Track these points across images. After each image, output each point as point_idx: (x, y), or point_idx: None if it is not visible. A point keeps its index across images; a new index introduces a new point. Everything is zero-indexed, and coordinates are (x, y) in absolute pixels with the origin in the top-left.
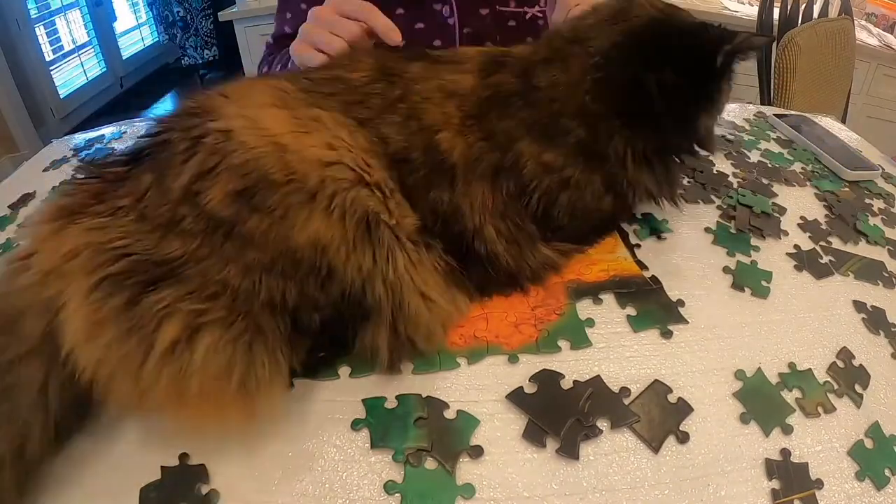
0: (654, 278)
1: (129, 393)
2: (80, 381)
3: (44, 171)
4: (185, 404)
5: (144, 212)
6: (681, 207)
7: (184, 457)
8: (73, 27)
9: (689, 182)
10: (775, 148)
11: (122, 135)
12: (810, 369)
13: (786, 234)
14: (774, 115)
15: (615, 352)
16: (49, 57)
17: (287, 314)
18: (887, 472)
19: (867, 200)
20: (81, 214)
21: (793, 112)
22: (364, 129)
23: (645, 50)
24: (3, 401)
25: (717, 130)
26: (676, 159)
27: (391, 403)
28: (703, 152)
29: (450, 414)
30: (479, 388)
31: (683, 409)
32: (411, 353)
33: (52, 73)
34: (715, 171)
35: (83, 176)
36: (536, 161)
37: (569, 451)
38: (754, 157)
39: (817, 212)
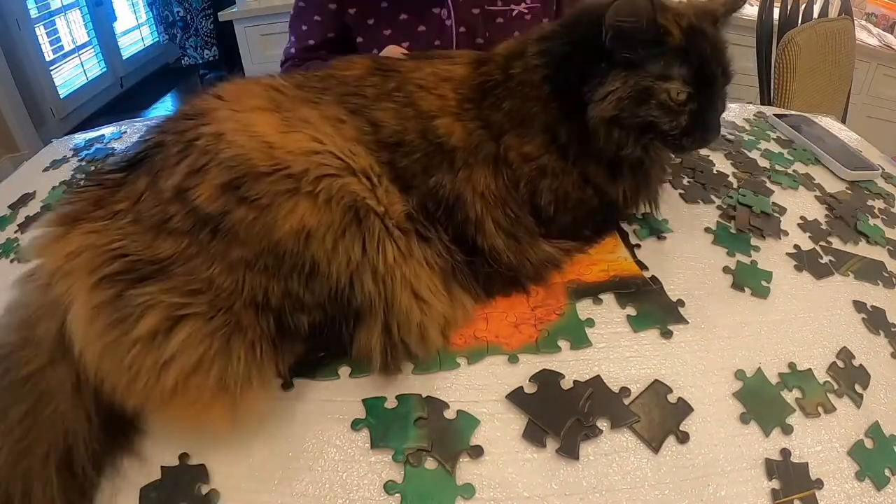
0: (654, 278)
1: (117, 385)
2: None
3: (44, 171)
4: (168, 399)
5: (139, 214)
6: (637, 213)
7: (184, 457)
8: (73, 27)
9: (689, 182)
10: (775, 148)
11: (122, 135)
12: (810, 369)
13: (786, 234)
14: (774, 115)
15: (615, 352)
16: (49, 57)
17: (270, 313)
18: (887, 472)
19: (867, 201)
20: (83, 220)
21: (793, 112)
22: (354, 118)
23: (566, 35)
24: (43, 407)
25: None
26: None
27: (391, 403)
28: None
29: (450, 414)
30: (479, 388)
31: (683, 409)
32: (406, 356)
33: (52, 73)
34: (715, 171)
35: (84, 184)
36: (518, 152)
37: (569, 451)
38: (754, 157)
39: (817, 212)
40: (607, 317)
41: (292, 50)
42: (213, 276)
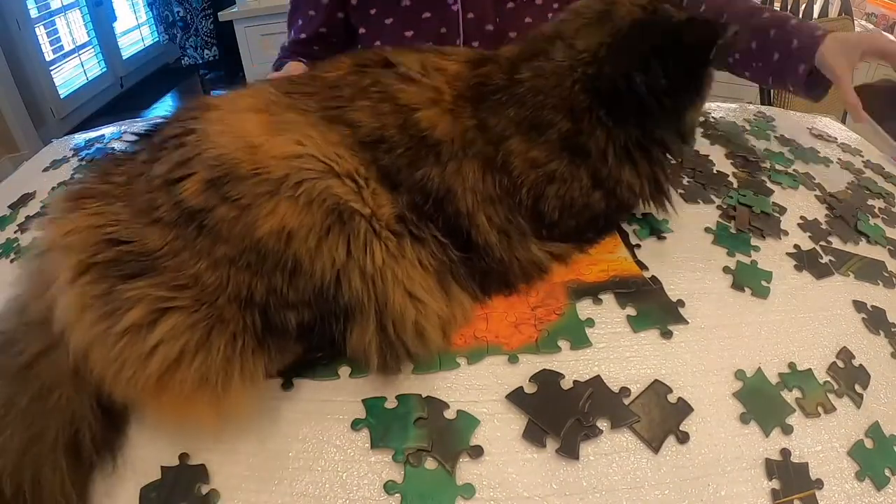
0: (654, 278)
1: (105, 375)
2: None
3: (44, 171)
4: (153, 391)
5: (133, 196)
6: (670, 209)
7: (184, 457)
8: (73, 27)
9: (689, 182)
10: (776, 147)
11: (122, 135)
12: (810, 369)
13: (786, 233)
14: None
15: (615, 352)
16: (49, 57)
17: (256, 310)
18: (887, 472)
19: (868, 200)
20: (90, 197)
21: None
22: (335, 124)
23: (634, 51)
24: (48, 394)
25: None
26: (662, 155)
27: (391, 403)
28: (685, 147)
29: (450, 414)
30: (479, 388)
31: (683, 409)
32: (404, 356)
33: (52, 73)
34: (715, 171)
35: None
36: (524, 158)
37: (569, 451)
38: (754, 157)
39: (817, 212)
40: (607, 317)
41: (286, 43)
42: (199, 272)
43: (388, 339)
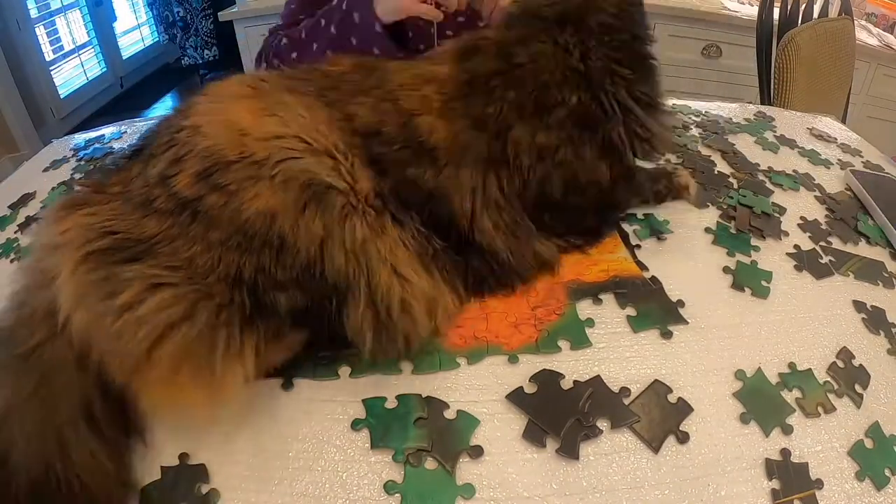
0: (654, 278)
1: (102, 355)
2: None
3: (44, 171)
4: (143, 369)
5: (129, 194)
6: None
7: (184, 456)
8: (73, 27)
9: None
10: (775, 148)
11: (122, 135)
12: (810, 369)
13: (786, 234)
14: (851, 171)
15: (615, 352)
16: (49, 57)
17: (244, 288)
18: (887, 472)
19: None
20: (83, 205)
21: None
22: (329, 109)
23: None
24: (53, 378)
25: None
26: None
27: (391, 403)
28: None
29: (450, 414)
30: (479, 388)
31: (683, 409)
32: (397, 335)
33: (52, 73)
34: (715, 172)
35: (88, 176)
36: (529, 144)
37: (569, 451)
38: (754, 157)
39: (817, 212)
40: (607, 317)
41: (293, 6)
42: (192, 255)
43: (378, 318)
